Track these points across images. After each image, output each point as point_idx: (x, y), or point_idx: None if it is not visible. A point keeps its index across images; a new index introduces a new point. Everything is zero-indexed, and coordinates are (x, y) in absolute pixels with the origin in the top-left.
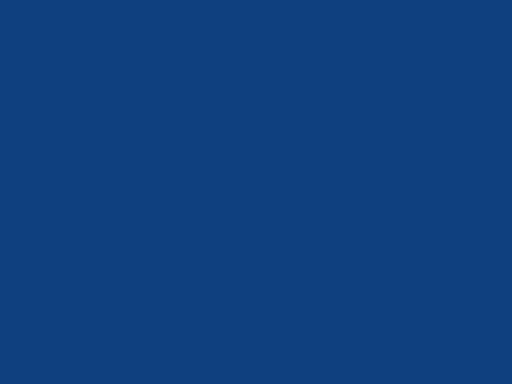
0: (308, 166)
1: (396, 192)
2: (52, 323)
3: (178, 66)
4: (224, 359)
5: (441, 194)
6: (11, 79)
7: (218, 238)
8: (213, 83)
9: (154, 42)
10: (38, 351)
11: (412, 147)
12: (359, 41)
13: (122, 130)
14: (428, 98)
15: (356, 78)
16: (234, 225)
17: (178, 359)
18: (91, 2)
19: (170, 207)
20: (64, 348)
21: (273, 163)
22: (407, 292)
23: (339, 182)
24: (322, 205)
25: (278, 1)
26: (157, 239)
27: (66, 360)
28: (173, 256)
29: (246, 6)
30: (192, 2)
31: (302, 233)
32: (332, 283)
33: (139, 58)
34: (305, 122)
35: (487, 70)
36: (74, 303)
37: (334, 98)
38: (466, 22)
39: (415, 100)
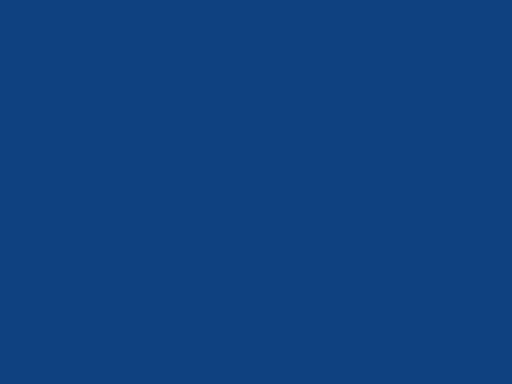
0: (308, 166)
1: (396, 192)
2: (52, 323)
3: (178, 66)
4: (224, 359)
5: (441, 194)
6: (11, 79)
7: (218, 238)
8: (213, 83)
9: (154, 42)
10: (38, 351)
11: (412, 147)
12: (359, 41)
13: (122, 130)
14: (428, 98)
15: (356, 78)
16: (234, 225)
17: (178, 359)
18: (91, 2)
19: (170, 207)
20: (64, 348)
21: (273, 163)
22: (407, 292)
23: (339, 181)
24: (322, 205)
25: (278, 1)
26: (157, 239)
27: (66, 360)
28: (173, 256)
29: (245, 6)
30: (192, 1)
31: (302, 233)
32: (332, 283)
33: (139, 58)
34: (305, 121)
35: (487, 70)
36: (74, 303)
37: (334, 98)
38: (466, 22)
39: (415, 100)
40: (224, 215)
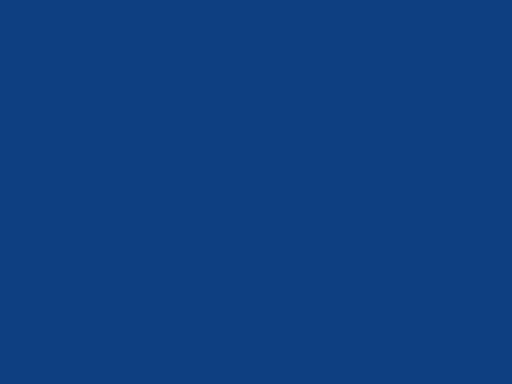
0: (308, 166)
1: (396, 192)
2: (52, 323)
3: (178, 66)
4: (224, 359)
5: (441, 194)
6: (11, 79)
7: (218, 238)
8: (213, 83)
9: (154, 42)
10: (38, 351)
11: (412, 147)
12: (359, 41)
13: (122, 130)
14: (428, 98)
15: (356, 78)
16: (234, 225)
17: (178, 359)
18: (91, 2)
19: (170, 207)
20: (64, 348)
21: (273, 163)
22: (407, 292)
23: (339, 182)
24: (322, 205)
25: (278, 1)
26: (157, 239)
27: (66, 360)
28: (173, 256)
29: (245, 6)
30: (192, 1)
31: (302, 233)
32: (332, 283)
33: (139, 58)
34: (305, 122)
35: (487, 70)
36: (74, 303)
37: (334, 98)
38: (466, 22)
39: (415, 100)
40: (224, 215)
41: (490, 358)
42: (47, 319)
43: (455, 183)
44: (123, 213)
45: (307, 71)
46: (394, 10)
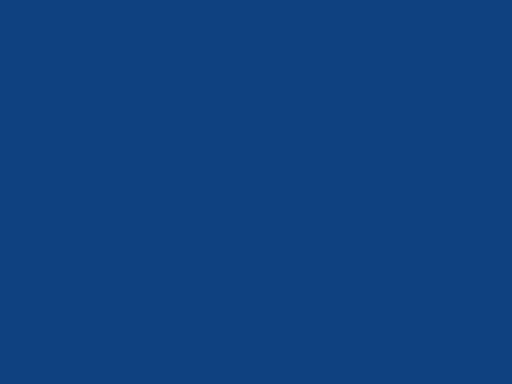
0: (308, 166)
1: (396, 192)
2: (52, 323)
3: (178, 66)
4: (224, 359)
5: (441, 194)
6: (11, 79)
7: (218, 238)
8: (213, 83)
9: (154, 42)
10: (38, 351)
11: (412, 147)
12: (359, 41)
13: (122, 130)
14: (428, 98)
15: (356, 78)
16: (234, 225)
17: (178, 359)
18: (91, 2)
19: (170, 207)
20: (64, 348)
21: (273, 163)
22: (407, 292)
23: (339, 182)
24: (322, 205)
25: (278, 1)
26: (157, 239)
27: (66, 360)
28: (173, 256)
29: (245, 6)
30: (192, 1)
31: (302, 233)
32: (332, 283)
33: (139, 58)
34: (305, 122)
35: (487, 70)
36: (74, 303)
37: (334, 98)
38: (466, 22)
39: (415, 100)
40: (224, 215)
41: (490, 357)
42: (47, 319)
43: (455, 183)
44: (123, 212)
45: (307, 71)
46: (394, 10)
